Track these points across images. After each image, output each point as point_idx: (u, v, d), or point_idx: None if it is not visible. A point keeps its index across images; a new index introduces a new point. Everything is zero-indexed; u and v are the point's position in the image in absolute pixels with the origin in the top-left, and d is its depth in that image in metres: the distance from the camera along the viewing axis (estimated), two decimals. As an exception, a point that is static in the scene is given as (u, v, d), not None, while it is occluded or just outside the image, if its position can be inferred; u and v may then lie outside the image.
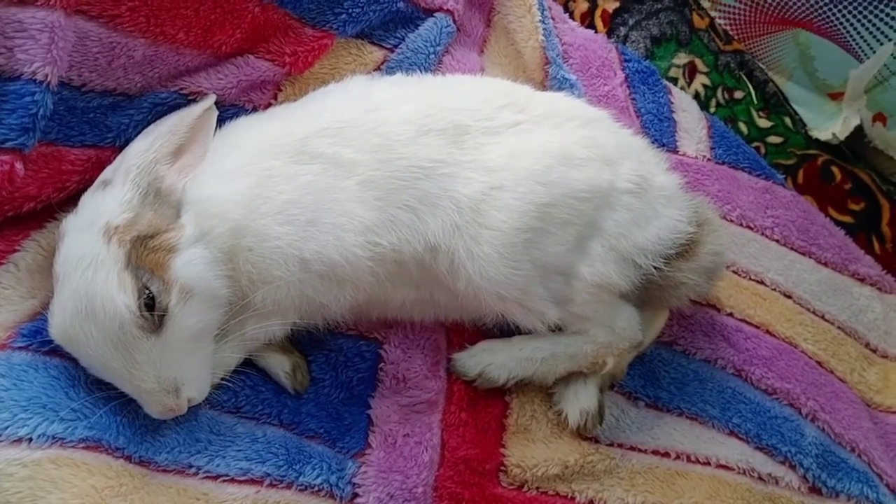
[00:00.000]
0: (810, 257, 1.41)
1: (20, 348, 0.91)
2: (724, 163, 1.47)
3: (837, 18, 1.50)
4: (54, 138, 0.97)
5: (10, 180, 0.90)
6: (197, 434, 0.95)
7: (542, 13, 1.42)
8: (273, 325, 0.99)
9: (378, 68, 1.25)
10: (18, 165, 0.90)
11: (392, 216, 0.98)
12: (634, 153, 1.09)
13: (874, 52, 1.48)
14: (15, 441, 0.82)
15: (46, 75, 0.89)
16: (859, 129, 1.56)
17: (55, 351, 0.90)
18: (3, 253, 0.96)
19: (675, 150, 1.45)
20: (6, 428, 0.83)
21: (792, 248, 1.40)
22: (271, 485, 0.94)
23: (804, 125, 1.62)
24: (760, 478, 1.14)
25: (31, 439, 0.83)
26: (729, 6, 1.63)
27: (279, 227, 0.94)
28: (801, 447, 1.17)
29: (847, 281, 1.41)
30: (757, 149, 1.56)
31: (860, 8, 1.46)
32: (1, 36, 0.87)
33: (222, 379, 0.98)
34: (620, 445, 1.12)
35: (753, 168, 1.48)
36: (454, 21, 1.33)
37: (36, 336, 0.91)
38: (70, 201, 0.97)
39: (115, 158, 0.99)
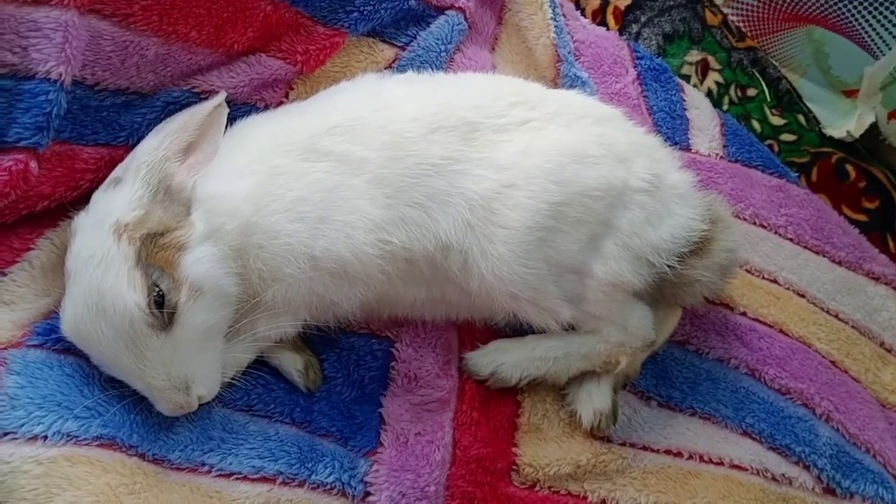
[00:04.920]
0: (824, 256, 1.40)
1: (35, 346, 0.91)
2: (737, 161, 1.46)
3: (852, 15, 1.48)
4: (68, 137, 0.97)
5: (25, 179, 0.91)
6: (210, 432, 0.95)
7: (554, 10, 1.41)
8: (284, 323, 0.99)
9: (389, 66, 1.25)
10: (33, 164, 0.91)
11: (402, 214, 0.97)
12: (647, 151, 1.09)
13: (889, 48, 1.46)
14: (30, 439, 0.83)
15: (60, 74, 0.90)
16: (874, 127, 1.54)
17: (69, 349, 0.91)
18: (17, 251, 0.97)
19: (687, 148, 1.44)
20: (22, 425, 0.83)
21: (806, 247, 1.39)
22: (284, 483, 0.94)
23: (818, 123, 1.60)
24: (774, 478, 1.13)
25: (46, 437, 0.84)
26: (742, 3, 1.62)
27: (289, 225, 0.94)
28: (816, 447, 1.16)
29: (861, 280, 1.40)
30: (770, 147, 1.55)
31: (875, 4, 1.45)
32: (15, 35, 0.88)
33: (234, 377, 0.98)
34: (633, 445, 1.12)
35: (767, 166, 1.47)
36: (465, 19, 1.33)
37: (50, 334, 0.92)
38: (83, 200, 0.98)
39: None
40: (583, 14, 1.60)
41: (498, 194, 0.98)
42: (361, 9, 1.19)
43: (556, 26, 1.39)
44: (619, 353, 1.07)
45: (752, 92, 1.62)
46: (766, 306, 1.29)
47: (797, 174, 1.50)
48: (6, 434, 0.83)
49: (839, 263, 1.40)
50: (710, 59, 1.63)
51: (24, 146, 0.90)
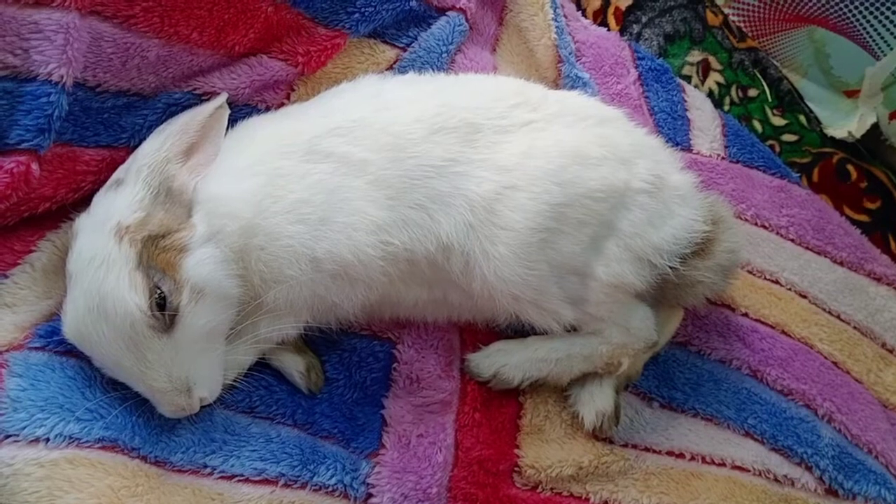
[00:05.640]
0: (826, 257, 1.39)
1: (37, 348, 0.91)
2: (738, 161, 1.45)
3: (853, 15, 1.48)
4: (69, 139, 0.97)
5: (27, 181, 0.91)
6: (212, 434, 0.95)
7: (555, 11, 1.41)
8: (286, 325, 0.99)
9: (390, 67, 1.25)
10: (34, 166, 0.91)
11: (404, 215, 0.97)
12: (649, 152, 1.09)
13: (891, 48, 1.46)
14: (32, 441, 0.83)
15: (62, 76, 0.90)
16: (875, 127, 1.54)
17: (71, 351, 0.91)
18: (19, 253, 0.97)
19: (689, 149, 1.44)
20: (24, 428, 0.83)
21: (807, 248, 1.39)
22: (286, 485, 0.94)
23: (819, 123, 1.60)
24: (776, 479, 1.13)
25: (48, 439, 0.84)
26: (743, 3, 1.62)
27: (291, 226, 0.94)
28: (818, 448, 1.16)
29: (863, 280, 1.40)
30: (771, 147, 1.55)
31: (876, 4, 1.44)
32: (17, 37, 0.88)
33: (236, 379, 0.98)
34: (635, 446, 1.12)
35: (768, 166, 1.46)
36: (467, 20, 1.33)
37: (52, 336, 0.92)
38: (85, 201, 0.98)
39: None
40: (584, 15, 1.59)
41: (499, 196, 0.98)
42: (362, 10, 1.18)
43: (557, 27, 1.39)
44: (621, 354, 1.07)
45: (753, 92, 1.62)
46: (767, 307, 1.29)
47: (798, 175, 1.50)
48: (8, 437, 0.83)
49: (841, 264, 1.40)
50: (712, 59, 1.63)
51: (26, 148, 0.90)
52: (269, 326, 0.97)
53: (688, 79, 1.59)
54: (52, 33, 0.88)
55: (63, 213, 1.00)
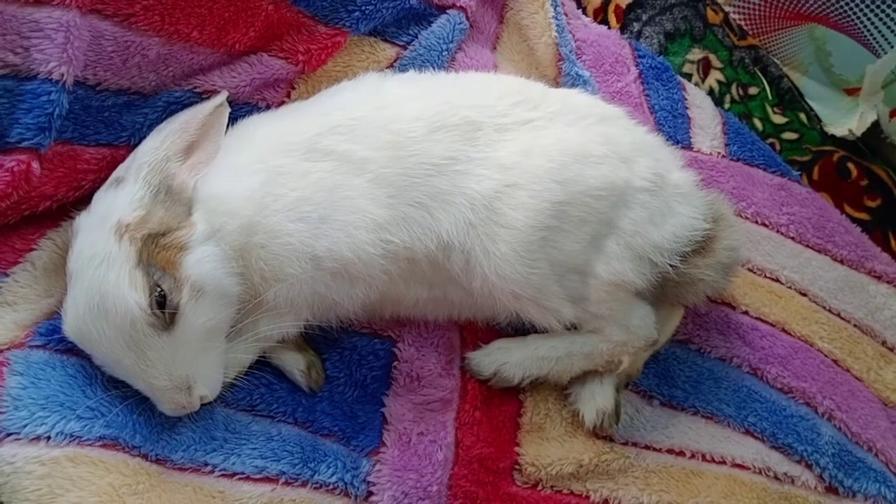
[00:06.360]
0: (826, 255, 1.39)
1: (38, 347, 0.91)
2: (738, 159, 1.45)
3: (854, 13, 1.48)
4: (70, 137, 0.97)
5: (27, 179, 0.91)
6: (213, 432, 0.95)
7: (555, 9, 1.41)
8: (286, 323, 0.99)
9: (391, 66, 1.25)
10: (35, 165, 0.91)
11: (404, 214, 0.98)
12: (650, 150, 1.09)
13: (892, 46, 1.46)
14: (33, 439, 0.83)
15: (62, 75, 0.90)
16: (876, 125, 1.54)
17: (72, 349, 0.91)
18: (20, 252, 0.97)
19: (689, 147, 1.44)
20: (25, 426, 0.84)
21: (807, 246, 1.39)
22: (286, 483, 0.95)
23: (820, 121, 1.60)
24: (776, 477, 1.13)
25: (49, 437, 0.84)
26: (744, 1, 1.62)
27: (291, 224, 0.94)
28: (818, 446, 1.16)
29: (863, 279, 1.40)
30: (772, 145, 1.55)
31: (877, 2, 1.44)
32: (17, 36, 0.88)
33: (236, 377, 0.98)
34: (635, 444, 1.12)
35: (768, 164, 1.46)
36: (467, 18, 1.33)
37: (53, 334, 0.92)
38: (85, 200, 0.98)
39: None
40: (584, 13, 1.59)
41: (500, 194, 0.98)
42: (363, 8, 1.18)
43: (557, 25, 1.39)
44: (622, 352, 1.07)
45: (753, 90, 1.62)
46: (768, 305, 1.29)
47: (799, 173, 1.50)
48: (9, 435, 0.83)
49: (841, 262, 1.40)
50: (712, 57, 1.63)
51: (27, 147, 0.90)
52: (269, 324, 0.97)
53: (688, 77, 1.59)
54: (53, 31, 0.89)
55: (64, 212, 1.01)
